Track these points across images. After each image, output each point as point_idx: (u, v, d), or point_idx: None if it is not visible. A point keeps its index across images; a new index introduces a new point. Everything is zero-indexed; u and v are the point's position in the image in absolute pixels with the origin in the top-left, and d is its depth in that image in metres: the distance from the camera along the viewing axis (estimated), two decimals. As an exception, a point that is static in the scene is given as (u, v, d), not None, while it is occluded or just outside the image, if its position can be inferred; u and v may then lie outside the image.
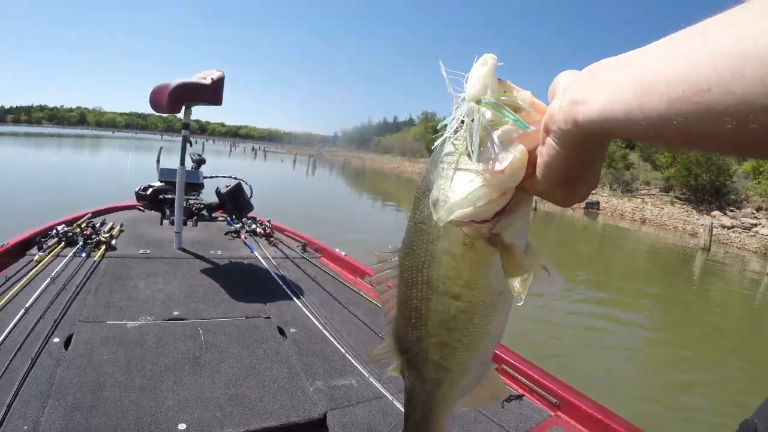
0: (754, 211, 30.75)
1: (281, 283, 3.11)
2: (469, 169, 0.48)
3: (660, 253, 18.82)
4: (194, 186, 4.99)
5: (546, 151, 0.44)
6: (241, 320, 2.53)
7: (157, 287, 2.83)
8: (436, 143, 0.52)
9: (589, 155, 0.43)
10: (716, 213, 31.32)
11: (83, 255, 3.22)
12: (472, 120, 0.47)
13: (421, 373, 0.61)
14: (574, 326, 7.52)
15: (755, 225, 28.20)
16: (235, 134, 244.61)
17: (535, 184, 0.47)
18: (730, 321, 10.10)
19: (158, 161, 6.00)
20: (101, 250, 3.32)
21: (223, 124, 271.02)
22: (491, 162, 0.46)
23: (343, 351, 2.31)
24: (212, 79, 3.41)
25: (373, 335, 2.50)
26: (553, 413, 2.01)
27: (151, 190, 4.71)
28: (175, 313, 2.52)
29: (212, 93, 3.42)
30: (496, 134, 0.47)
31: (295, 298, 2.89)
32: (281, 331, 2.47)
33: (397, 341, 0.61)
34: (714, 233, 21.48)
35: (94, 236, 3.53)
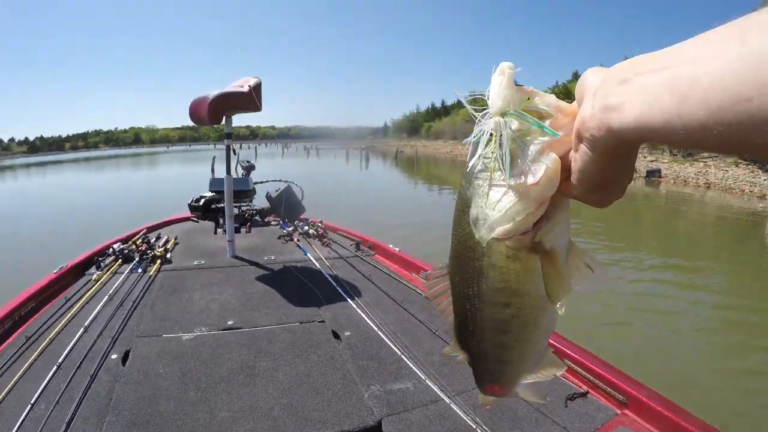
0: None
1: (335, 284, 3.08)
2: (503, 185, 0.48)
3: (729, 219, 17.43)
4: (245, 193, 5.04)
5: (579, 157, 0.44)
6: (295, 326, 2.50)
7: (211, 297, 2.83)
8: (469, 163, 0.52)
9: (623, 160, 0.43)
10: None
11: (139, 270, 3.28)
12: (501, 135, 0.48)
13: (485, 365, 0.64)
14: (639, 307, 6.98)
15: None
16: (286, 135, 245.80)
17: (569, 189, 0.48)
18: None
19: (213, 170, 6.29)
20: (157, 264, 3.39)
21: (273, 127, 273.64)
22: (525, 174, 0.47)
23: (399, 353, 2.26)
24: (249, 86, 3.40)
25: (429, 333, 2.44)
26: (619, 411, 1.88)
27: (203, 200, 4.84)
28: (230, 322, 2.52)
29: (251, 100, 3.41)
30: (525, 145, 0.47)
31: (349, 299, 2.85)
32: (336, 335, 2.45)
33: (460, 342, 0.64)
34: None
35: (149, 251, 3.59)
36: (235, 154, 3.90)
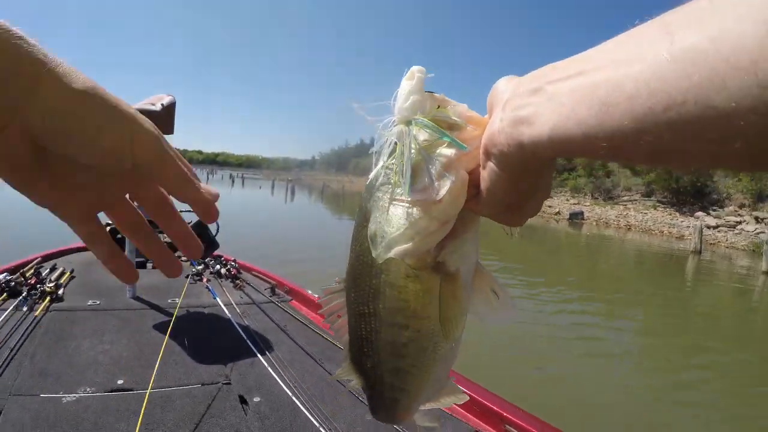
0: (737, 209, 31.16)
1: (245, 336, 2.83)
2: (404, 200, 0.44)
3: (649, 258, 18.66)
4: (155, 223, 4.52)
5: (488, 175, 0.40)
6: (196, 388, 2.27)
7: (102, 348, 2.60)
8: (370, 174, 0.49)
9: (537, 177, 0.39)
10: (700, 214, 31.60)
11: (24, 309, 2.97)
12: (404, 145, 0.44)
13: (380, 392, 0.58)
14: (561, 342, 7.15)
15: (739, 222, 28.58)
16: (213, 161, 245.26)
17: (479, 207, 0.44)
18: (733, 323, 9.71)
19: None
20: (45, 301, 3.08)
21: (200, 152, 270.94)
22: (428, 191, 0.43)
23: (317, 424, 2.04)
24: (162, 104, 2.98)
25: (352, 399, 2.24)
26: None
27: (109, 228, 4.23)
28: (120, 381, 2.28)
29: (163, 121, 2.97)
30: (431, 158, 0.43)
31: (260, 355, 2.62)
32: (243, 400, 2.22)
33: (354, 364, 0.59)
34: (693, 233, 21.30)
35: (39, 285, 3.28)
36: None
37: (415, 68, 0.44)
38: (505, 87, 0.39)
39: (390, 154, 0.46)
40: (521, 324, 7.13)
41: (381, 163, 0.47)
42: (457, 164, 0.43)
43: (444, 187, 0.43)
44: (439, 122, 0.43)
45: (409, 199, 0.44)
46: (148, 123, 0.44)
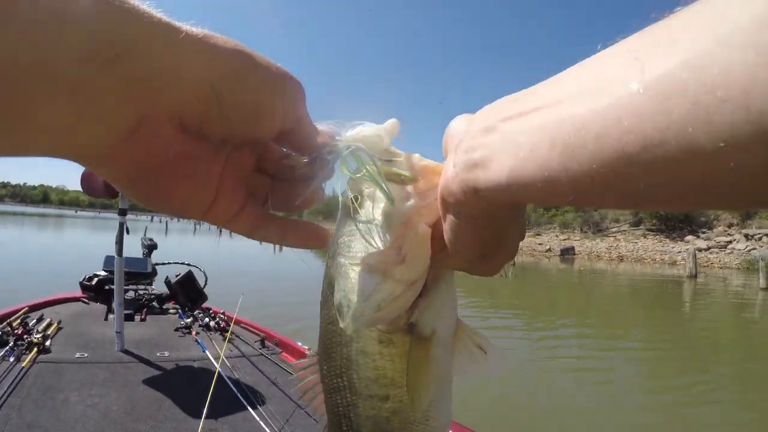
0: (726, 228, 31.42)
1: (236, 390, 2.78)
2: (365, 265, 0.41)
3: (645, 288, 18.45)
4: (144, 275, 4.69)
5: (449, 227, 0.37)
6: None
7: (91, 401, 2.56)
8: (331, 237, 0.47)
9: (503, 224, 0.36)
10: (690, 237, 31.81)
11: (11, 359, 2.92)
12: (357, 202, 0.43)
13: None
14: (557, 383, 6.87)
15: (730, 242, 28.81)
16: None
17: (447, 260, 0.41)
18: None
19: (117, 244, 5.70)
20: (32, 353, 3.02)
21: None
22: (387, 251, 0.41)
23: None
24: None
25: None
26: None
27: (96, 279, 4.41)
28: None
29: None
30: (389, 215, 0.41)
31: (251, 409, 2.58)
32: None
33: None
34: (687, 258, 21.27)
35: (26, 336, 3.23)
36: (128, 233, 3.56)
37: (363, 127, 0.41)
38: (457, 128, 0.36)
39: (345, 216, 0.44)
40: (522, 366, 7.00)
41: (337, 225, 0.45)
42: (416, 219, 0.40)
43: (405, 246, 0.40)
44: (390, 176, 0.41)
45: (370, 262, 0.41)
46: (294, 79, 0.39)
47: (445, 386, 0.48)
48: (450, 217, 0.36)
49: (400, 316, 0.43)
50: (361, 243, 0.42)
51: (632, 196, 0.24)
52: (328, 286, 0.46)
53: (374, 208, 0.42)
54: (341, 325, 0.44)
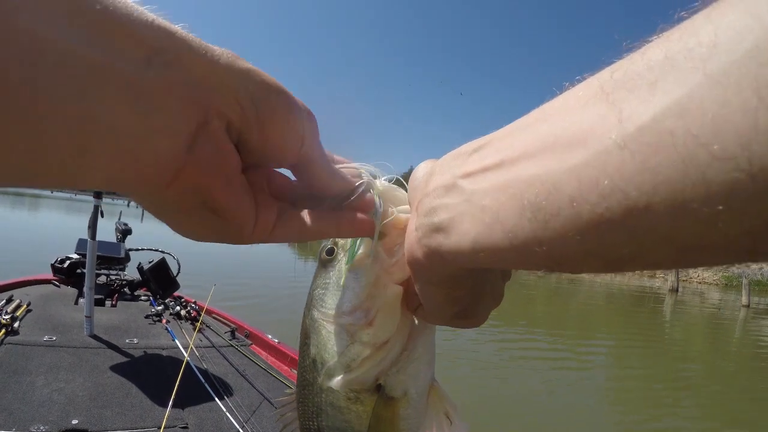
0: None
1: (203, 379, 2.77)
2: (336, 323, 0.42)
3: (627, 301, 18.53)
4: (117, 260, 4.71)
5: (419, 288, 0.35)
6: (153, 431, 2.27)
7: (57, 385, 2.55)
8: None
9: (477, 284, 0.33)
10: None
11: None
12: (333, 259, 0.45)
13: None
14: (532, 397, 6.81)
15: None
16: None
17: (425, 317, 0.39)
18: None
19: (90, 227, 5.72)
20: (0, 334, 3.03)
21: None
22: (355, 312, 0.41)
23: None
24: None
25: None
26: None
27: (68, 262, 4.43)
28: (74, 421, 2.23)
29: None
30: (357, 273, 0.41)
31: (218, 399, 2.58)
32: None
33: None
34: (669, 272, 21.25)
35: None
36: (102, 216, 3.52)
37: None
38: (420, 177, 0.33)
39: (320, 267, 0.45)
40: (503, 380, 6.98)
41: (316, 276, 0.45)
42: (386, 278, 0.39)
43: (373, 308, 0.40)
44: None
45: (340, 322, 0.42)
46: (313, 115, 0.38)
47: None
48: (418, 282, 0.34)
49: (370, 375, 0.42)
50: (333, 298, 0.42)
51: (618, 261, 0.21)
52: (305, 336, 0.46)
53: (346, 264, 0.41)
54: (318, 380, 0.45)
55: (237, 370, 3.10)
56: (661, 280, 23.58)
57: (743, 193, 0.15)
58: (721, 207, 0.16)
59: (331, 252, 0.43)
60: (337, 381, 0.43)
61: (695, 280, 24.66)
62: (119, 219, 5.29)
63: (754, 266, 25.25)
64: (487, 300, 0.35)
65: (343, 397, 0.44)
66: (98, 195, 3.41)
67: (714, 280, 24.01)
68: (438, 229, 0.28)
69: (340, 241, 0.42)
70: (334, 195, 0.38)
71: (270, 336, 3.66)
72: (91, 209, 3.32)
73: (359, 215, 0.39)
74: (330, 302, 0.42)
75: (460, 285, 0.32)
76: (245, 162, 0.33)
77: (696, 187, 0.16)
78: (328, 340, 0.43)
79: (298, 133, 0.34)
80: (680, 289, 20.33)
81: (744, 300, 16.18)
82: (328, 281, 0.43)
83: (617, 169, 0.18)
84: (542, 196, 0.21)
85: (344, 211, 0.39)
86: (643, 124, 0.18)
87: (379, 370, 0.42)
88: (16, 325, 3.20)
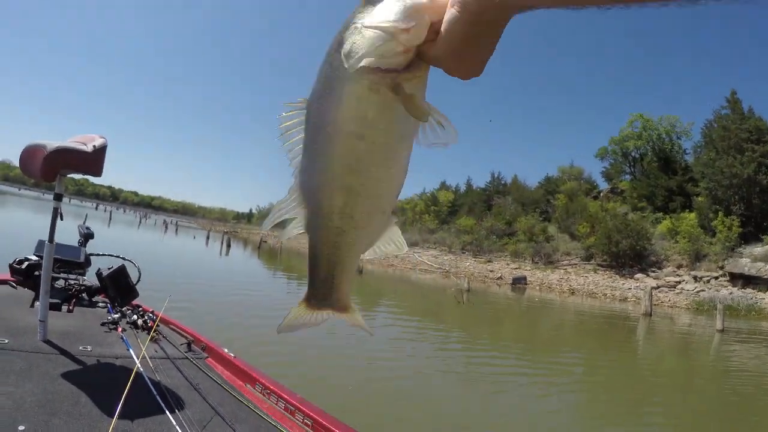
0: (676, 269, 32.39)
1: (155, 392, 2.70)
2: (379, 26, 0.55)
3: (601, 325, 18.47)
4: (76, 264, 4.53)
5: (449, 17, 0.51)
6: None
7: (5, 390, 2.45)
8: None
9: (486, 28, 0.50)
10: (639, 275, 32.60)
11: None
12: None
13: (326, 221, 0.64)
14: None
15: (679, 282, 29.61)
16: (148, 205, 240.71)
17: (433, 48, 0.55)
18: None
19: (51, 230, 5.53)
20: None
21: (136, 193, 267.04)
22: (399, 22, 0.54)
23: None
24: (94, 146, 3.13)
25: None
26: None
27: (27, 264, 4.16)
28: (21, 428, 2.10)
29: (92, 162, 3.15)
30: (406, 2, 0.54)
31: (169, 414, 2.49)
32: None
33: (302, 191, 0.65)
34: (643, 296, 21.63)
35: None
36: (61, 219, 3.37)
37: None
38: None
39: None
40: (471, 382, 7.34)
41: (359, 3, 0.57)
42: (424, 11, 0.54)
43: (412, 22, 0.53)
44: None
45: (384, 24, 0.54)
46: None
47: (408, 149, 0.63)
48: (453, 11, 0.50)
49: (388, 73, 0.56)
50: (377, 12, 0.55)
51: None
52: (336, 44, 0.58)
53: None
54: (346, 65, 0.56)
55: (190, 383, 3.00)
56: (633, 304, 23.56)
57: None
58: None
59: None
60: (370, 60, 0.54)
61: (666, 305, 24.83)
62: (83, 222, 5.09)
63: (725, 291, 25.77)
64: (477, 54, 0.53)
65: (366, 87, 0.56)
66: (58, 197, 3.31)
67: (685, 305, 24.31)
68: None
69: None
70: None
71: (226, 350, 3.55)
72: (67, 212, 3.19)
73: None
74: (375, 13, 0.55)
75: (479, 23, 0.49)
76: None
77: None
78: (369, 37, 0.55)
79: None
80: (653, 314, 20.34)
81: (718, 325, 16.29)
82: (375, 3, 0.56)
83: None
84: None
85: None
86: None
87: (399, 70, 0.56)
88: None
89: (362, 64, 0.54)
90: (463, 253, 46.73)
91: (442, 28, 0.51)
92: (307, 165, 0.62)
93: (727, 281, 28.50)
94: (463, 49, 0.51)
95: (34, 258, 4.29)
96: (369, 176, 0.60)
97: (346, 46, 0.55)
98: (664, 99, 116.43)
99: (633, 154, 50.02)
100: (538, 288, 31.67)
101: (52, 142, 3.02)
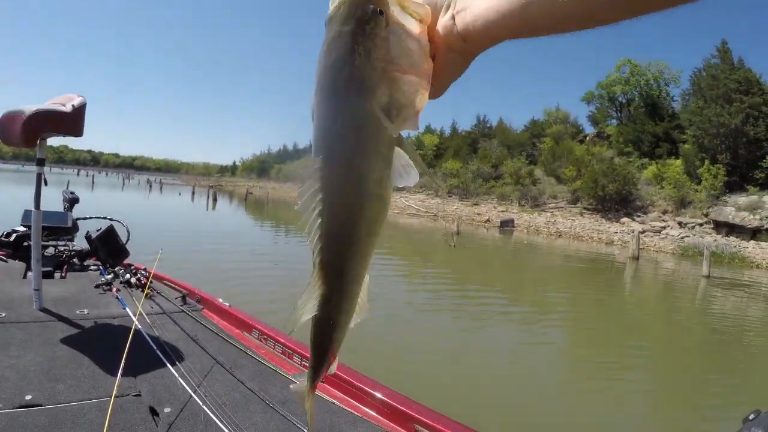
0: (661, 215, 32.75)
1: (155, 347, 2.80)
2: (416, 76, 0.52)
3: (585, 266, 18.78)
4: (64, 230, 4.61)
5: (451, 60, 0.54)
6: (106, 401, 2.16)
7: (9, 362, 2.48)
8: None
9: (458, 64, 0.55)
10: (625, 219, 32.98)
11: None
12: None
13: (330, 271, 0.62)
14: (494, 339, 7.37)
15: (664, 227, 29.98)
16: (130, 165, 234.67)
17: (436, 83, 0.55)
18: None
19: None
20: None
21: (117, 155, 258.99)
22: (425, 63, 0.53)
23: None
24: (72, 106, 3.09)
25: (262, 405, 2.24)
26: None
27: (15, 236, 4.31)
28: (28, 397, 2.15)
29: (72, 123, 3.12)
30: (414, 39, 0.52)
31: (170, 366, 2.57)
32: (153, 412, 2.15)
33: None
34: (629, 240, 21.91)
35: None
36: (46, 184, 3.39)
37: None
38: None
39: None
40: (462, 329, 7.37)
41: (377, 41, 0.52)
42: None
43: (430, 62, 0.53)
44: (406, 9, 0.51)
45: (420, 74, 0.52)
46: None
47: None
48: (461, 54, 0.53)
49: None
50: (408, 50, 0.51)
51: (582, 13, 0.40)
52: (367, 88, 0.50)
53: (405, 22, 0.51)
54: (386, 124, 0.50)
55: (188, 335, 3.09)
56: (619, 247, 23.90)
57: None
58: None
59: (381, 12, 0.50)
60: (411, 123, 0.52)
61: (652, 249, 25.22)
62: (66, 188, 5.16)
63: (709, 238, 26.15)
64: (446, 78, 0.55)
65: (388, 145, 0.52)
66: (41, 162, 3.31)
67: (670, 250, 24.76)
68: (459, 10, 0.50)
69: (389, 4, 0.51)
70: None
71: (221, 300, 3.66)
72: (51, 182, 2.92)
73: None
74: (405, 50, 0.50)
75: (471, 60, 0.53)
76: None
77: None
78: (410, 93, 0.50)
79: None
80: (639, 257, 20.64)
81: (705, 271, 16.60)
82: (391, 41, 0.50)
83: None
84: None
85: None
86: None
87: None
88: None
89: (406, 128, 0.52)
90: (449, 196, 46.92)
91: (443, 69, 0.54)
92: (318, 144, 0.55)
93: (712, 228, 28.86)
94: (443, 83, 0.55)
95: (22, 229, 4.37)
96: (375, 233, 0.57)
97: (382, 99, 0.50)
98: (654, 45, 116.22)
99: (620, 99, 49.56)
100: (525, 231, 32.00)
101: (30, 107, 2.99)
